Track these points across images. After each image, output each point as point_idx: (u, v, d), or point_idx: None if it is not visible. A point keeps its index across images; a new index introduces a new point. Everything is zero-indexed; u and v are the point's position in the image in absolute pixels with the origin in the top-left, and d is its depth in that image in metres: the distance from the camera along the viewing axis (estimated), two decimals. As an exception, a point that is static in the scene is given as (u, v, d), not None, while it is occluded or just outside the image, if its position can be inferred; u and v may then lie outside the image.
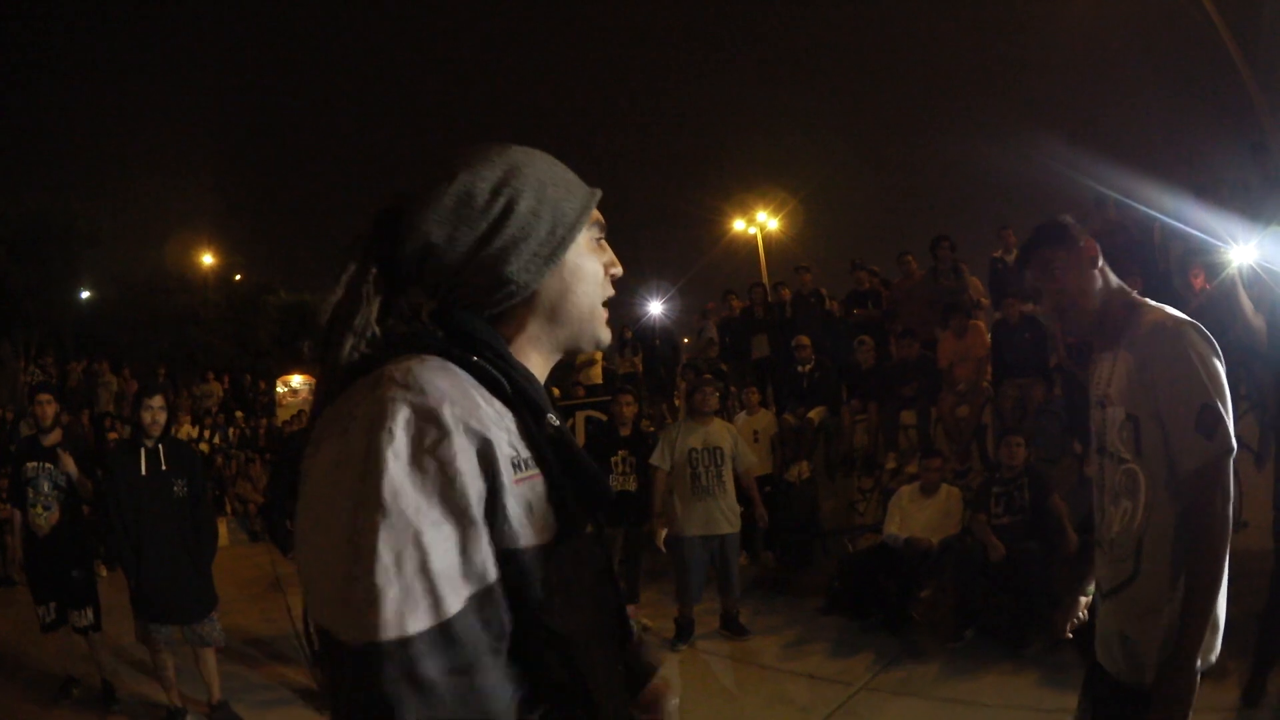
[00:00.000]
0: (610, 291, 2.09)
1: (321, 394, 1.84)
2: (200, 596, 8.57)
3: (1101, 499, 3.67)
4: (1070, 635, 4.20)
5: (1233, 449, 3.28)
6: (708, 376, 12.57)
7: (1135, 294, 3.72)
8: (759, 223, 42.95)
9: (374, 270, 1.92)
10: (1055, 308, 3.76)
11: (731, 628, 10.66)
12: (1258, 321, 7.24)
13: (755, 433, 13.40)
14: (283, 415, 26.82)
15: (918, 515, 10.71)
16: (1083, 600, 4.14)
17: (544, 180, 1.98)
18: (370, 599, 1.52)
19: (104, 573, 9.69)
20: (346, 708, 1.59)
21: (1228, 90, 23.33)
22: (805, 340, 14.71)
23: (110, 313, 41.09)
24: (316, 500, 1.64)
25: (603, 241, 2.10)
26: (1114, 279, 3.73)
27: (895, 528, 10.68)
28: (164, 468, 8.50)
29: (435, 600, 1.56)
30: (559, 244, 1.95)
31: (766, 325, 16.97)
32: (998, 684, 8.39)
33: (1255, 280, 7.87)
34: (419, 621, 1.54)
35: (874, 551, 10.86)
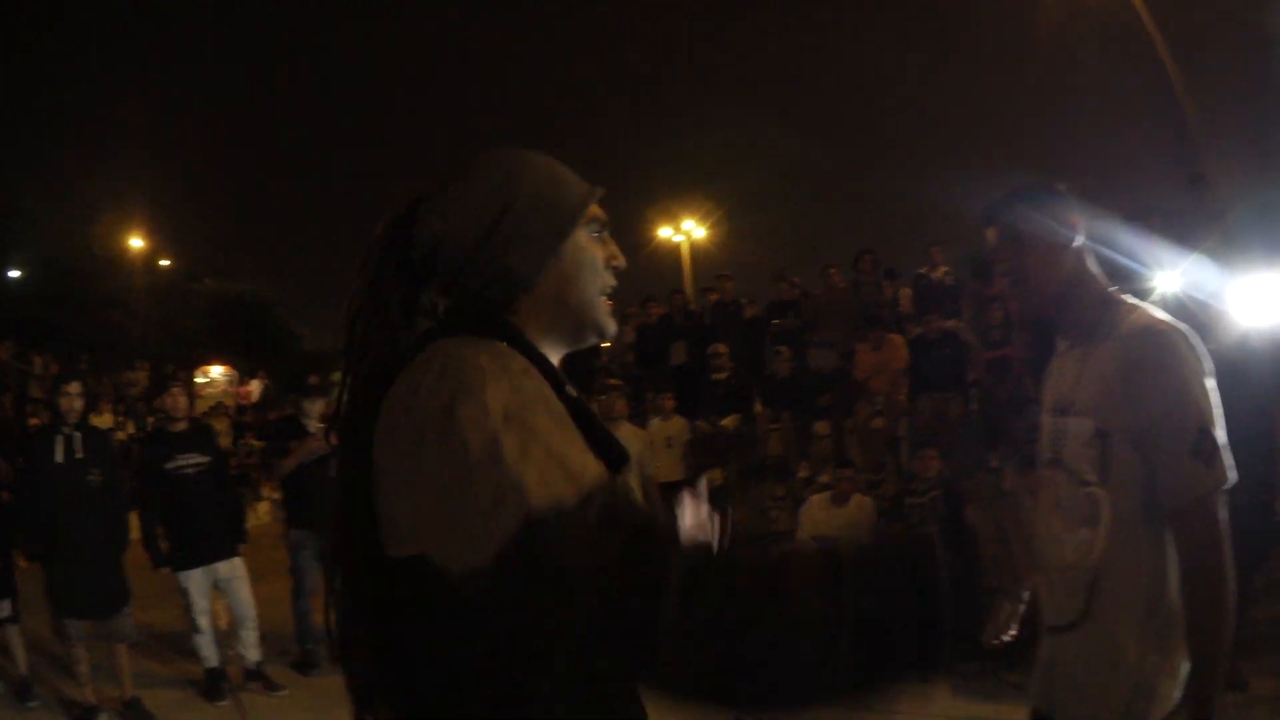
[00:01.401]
0: (612, 282, 2.14)
1: (354, 380, 1.94)
2: (113, 590, 8.24)
3: (1050, 519, 3.23)
4: (999, 642, 3.80)
5: (1229, 481, 2.86)
6: (614, 382, 12.31)
7: (1117, 289, 3.23)
8: (685, 230, 42.62)
9: (392, 268, 2.00)
10: (1010, 278, 3.30)
11: None
12: None
13: (669, 439, 13.08)
14: (201, 406, 26.25)
15: (829, 524, 10.39)
16: (1017, 608, 3.77)
17: (542, 179, 2.06)
18: (516, 484, 1.59)
19: (23, 563, 9.32)
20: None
21: (1169, 122, 23.45)
22: (722, 348, 14.39)
23: (36, 293, 40.12)
24: (428, 451, 1.68)
25: (605, 236, 2.15)
26: (1094, 268, 3.25)
27: (806, 538, 10.30)
28: (79, 456, 8.18)
29: (570, 474, 1.64)
30: (557, 236, 2.03)
31: (685, 332, 16.52)
32: (911, 693, 7.97)
33: (1178, 307, 7.74)
34: (561, 487, 1.61)
35: None
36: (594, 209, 2.09)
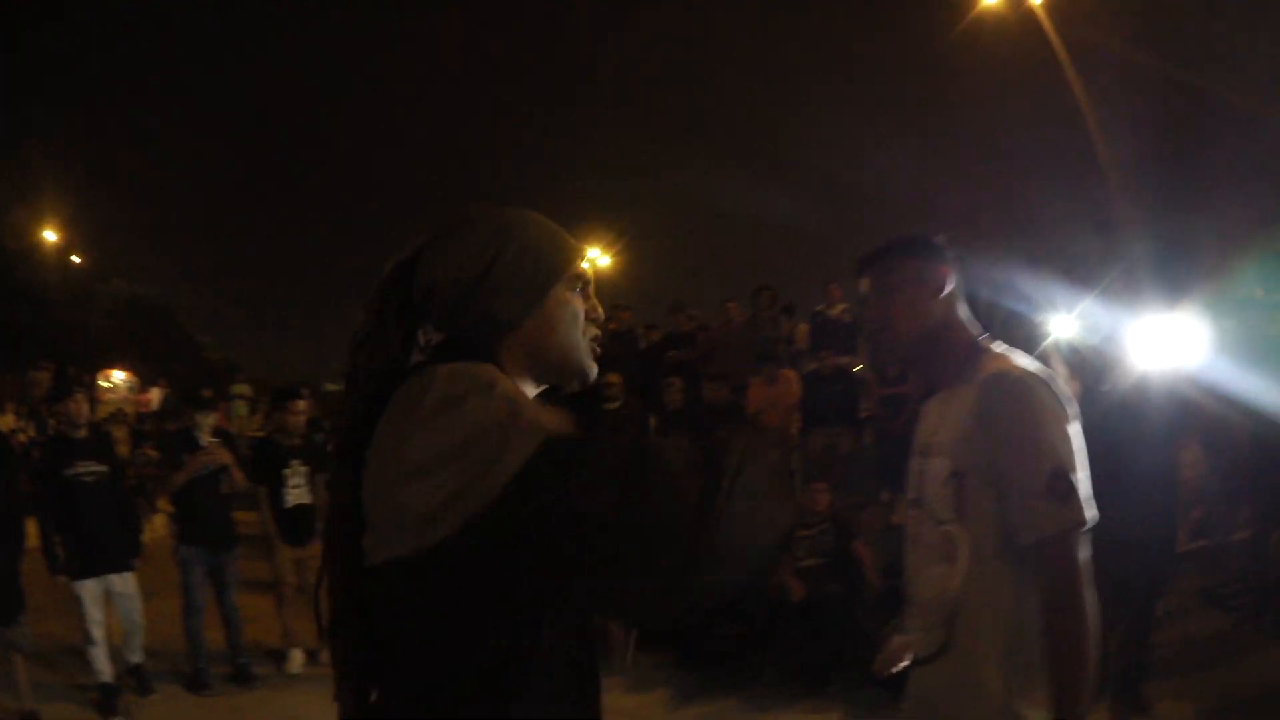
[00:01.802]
0: (594, 332, 2.33)
1: (352, 404, 2.09)
2: (8, 598, 8.10)
3: (913, 555, 3.34)
4: (887, 675, 3.74)
5: (1085, 521, 2.90)
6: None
7: (985, 338, 3.31)
8: (590, 259, 42.49)
9: (394, 305, 2.19)
10: (876, 325, 3.42)
11: None
12: (1071, 386, 7.09)
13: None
14: (101, 412, 25.73)
15: None
16: (896, 639, 3.78)
17: (532, 235, 2.23)
18: (530, 429, 1.79)
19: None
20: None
21: (1080, 168, 23.77)
22: (615, 378, 13.94)
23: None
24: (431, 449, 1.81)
25: (587, 291, 2.33)
26: (962, 316, 3.33)
27: None
28: None
29: None
30: (540, 288, 2.21)
31: None
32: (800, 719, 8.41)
33: (1072, 351, 7.96)
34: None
35: None
36: (578, 267, 2.28)
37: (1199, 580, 10.29)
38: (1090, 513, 2.92)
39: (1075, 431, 3.02)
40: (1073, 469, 2.93)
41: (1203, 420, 9.26)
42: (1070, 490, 2.89)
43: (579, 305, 2.29)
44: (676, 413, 13.73)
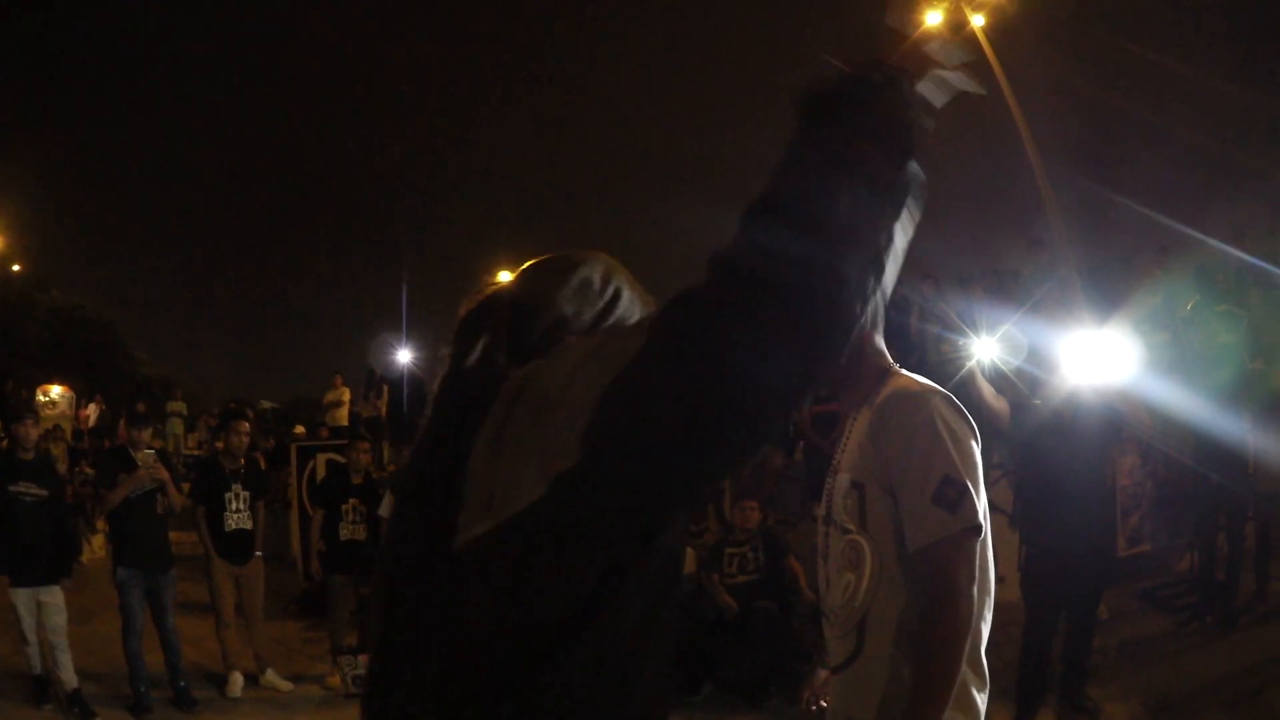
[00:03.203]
0: None
1: (448, 411, 2.05)
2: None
3: (826, 568, 3.35)
4: (813, 708, 3.74)
5: (978, 528, 2.94)
6: None
7: (893, 363, 3.37)
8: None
9: (505, 343, 2.10)
10: None
11: None
12: (999, 404, 7.33)
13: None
14: (39, 429, 25.01)
15: None
16: (821, 673, 3.83)
17: (629, 279, 2.29)
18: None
19: None
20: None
21: (1015, 187, 24.00)
22: None
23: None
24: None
25: None
26: (877, 346, 3.35)
27: None
28: None
29: None
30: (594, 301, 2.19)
31: None
32: None
33: (996, 373, 7.98)
34: None
35: None
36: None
37: (1140, 584, 10.69)
38: (981, 520, 2.95)
39: (973, 447, 3.05)
40: (964, 478, 2.94)
41: (1139, 431, 9.40)
42: (960, 498, 2.91)
43: None
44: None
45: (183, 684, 9.39)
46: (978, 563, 2.97)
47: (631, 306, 2.23)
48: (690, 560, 10.31)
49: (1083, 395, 7.84)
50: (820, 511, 3.43)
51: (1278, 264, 13.22)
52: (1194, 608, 10.08)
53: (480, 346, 2.10)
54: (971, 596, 2.91)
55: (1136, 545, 11.14)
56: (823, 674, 3.76)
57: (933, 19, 24.25)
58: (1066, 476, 7.76)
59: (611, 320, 2.19)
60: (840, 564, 3.21)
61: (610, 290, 2.22)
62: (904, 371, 3.32)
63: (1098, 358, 7.70)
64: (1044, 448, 7.84)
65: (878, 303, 3.20)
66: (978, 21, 23.22)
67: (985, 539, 3.03)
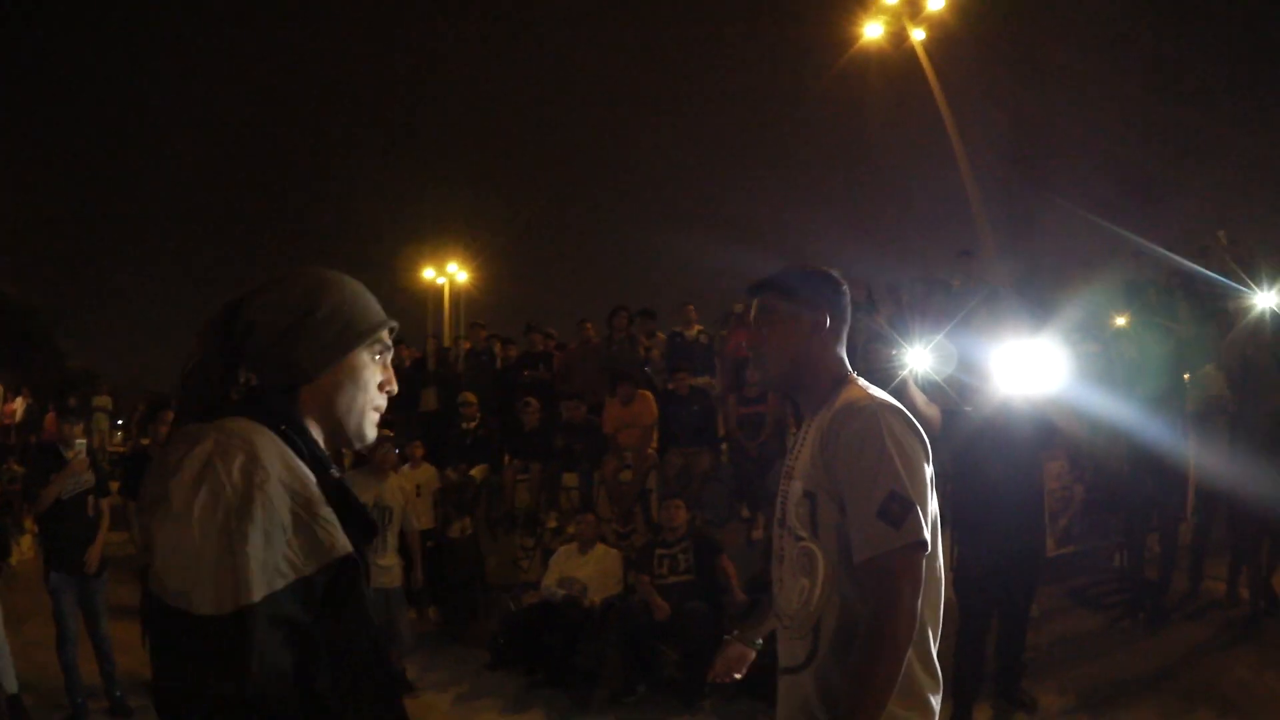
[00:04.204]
0: (382, 403, 2.41)
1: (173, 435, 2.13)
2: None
3: (780, 571, 3.35)
4: (725, 679, 3.97)
5: (924, 543, 2.94)
6: (387, 433, 11.71)
7: (850, 372, 3.38)
8: (449, 273, 42.03)
9: (219, 341, 2.24)
10: (752, 352, 3.49)
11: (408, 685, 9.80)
12: (930, 411, 7.32)
13: (418, 487, 12.48)
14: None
15: (576, 573, 10.32)
16: (748, 652, 3.96)
17: (345, 297, 2.32)
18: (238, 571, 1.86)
19: None
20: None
21: (948, 199, 24.26)
22: (472, 397, 14.10)
23: None
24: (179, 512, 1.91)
25: (386, 360, 2.42)
26: (836, 355, 3.38)
27: (553, 583, 10.30)
28: None
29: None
30: (343, 346, 2.28)
31: (437, 379, 16.19)
32: None
33: (929, 382, 8.07)
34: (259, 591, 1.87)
35: (537, 608, 10.29)
36: (383, 335, 2.38)
37: (1070, 583, 11.05)
38: (925, 535, 2.95)
39: (921, 461, 3.06)
40: (909, 494, 2.94)
41: (1070, 438, 9.66)
42: (904, 513, 2.91)
43: (376, 373, 2.38)
44: (533, 432, 13.52)
45: (119, 694, 9.03)
46: (923, 575, 2.97)
47: (326, 323, 2.25)
48: (617, 563, 10.47)
49: (1014, 403, 7.94)
50: (776, 515, 3.43)
51: (1205, 278, 13.61)
52: (1124, 605, 10.39)
53: (202, 347, 2.25)
54: (914, 610, 2.90)
55: (1065, 546, 11.40)
56: (737, 649, 3.95)
57: (873, 30, 24.61)
58: (999, 481, 7.89)
59: (299, 332, 2.23)
60: (795, 569, 3.22)
61: (307, 304, 2.25)
62: (860, 381, 3.33)
63: (1029, 367, 7.83)
64: (977, 454, 7.92)
65: (843, 314, 3.41)
66: (918, 35, 23.47)
67: (935, 552, 3.06)
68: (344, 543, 2.05)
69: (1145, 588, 10.33)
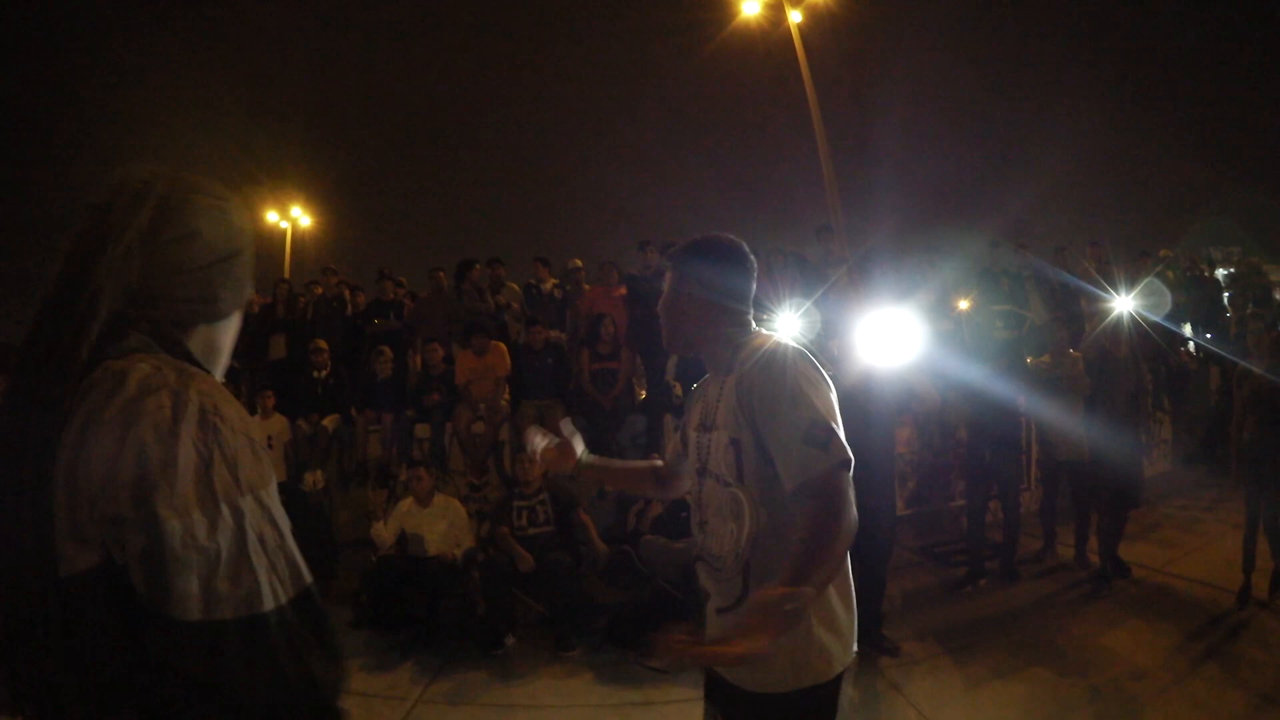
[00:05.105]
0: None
1: (49, 377, 1.76)
2: None
3: (703, 516, 3.47)
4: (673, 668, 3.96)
5: (849, 460, 3.02)
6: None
7: (746, 333, 3.48)
8: (292, 218, 40.65)
9: (99, 266, 1.87)
10: (661, 316, 3.58)
11: None
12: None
13: (270, 437, 12.11)
14: None
15: (420, 527, 10.14)
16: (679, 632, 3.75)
17: (253, 241, 2.16)
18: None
19: None
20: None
21: (807, 176, 24.72)
22: (323, 344, 13.51)
23: None
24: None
25: None
26: (745, 320, 3.51)
27: (390, 535, 10.11)
28: None
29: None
30: (246, 292, 2.16)
31: (286, 326, 15.41)
32: (553, 686, 8.29)
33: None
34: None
35: (396, 563, 9.95)
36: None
37: (920, 541, 11.94)
38: (848, 454, 3.03)
39: (828, 392, 3.17)
40: (828, 420, 3.04)
41: (922, 405, 10.11)
42: (829, 436, 3.00)
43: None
44: (386, 382, 13.17)
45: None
46: (851, 492, 3.01)
47: (245, 269, 2.12)
48: (462, 514, 10.39)
49: (876, 372, 8.24)
50: (694, 464, 3.55)
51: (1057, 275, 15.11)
52: (968, 564, 10.82)
53: (73, 271, 1.86)
54: (853, 516, 2.96)
55: (913, 507, 12.23)
56: (676, 634, 3.74)
57: (750, 8, 24.78)
58: (862, 446, 7.91)
59: (221, 268, 2.05)
60: (722, 514, 3.33)
61: (235, 245, 2.08)
62: (763, 331, 3.47)
63: (889, 338, 8.18)
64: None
65: (750, 281, 3.54)
66: (795, 18, 23.76)
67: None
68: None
69: (990, 549, 10.93)
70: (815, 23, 24.28)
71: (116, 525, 1.69)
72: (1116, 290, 12.72)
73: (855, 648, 3.35)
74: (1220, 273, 18.61)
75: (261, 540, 1.79)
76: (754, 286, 3.54)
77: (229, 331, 2.15)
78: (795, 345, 3.26)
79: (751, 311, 3.53)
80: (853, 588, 3.37)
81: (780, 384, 3.09)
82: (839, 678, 3.24)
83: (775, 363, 3.15)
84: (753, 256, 3.54)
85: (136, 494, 1.68)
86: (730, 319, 3.47)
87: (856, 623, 3.37)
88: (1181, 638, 8.56)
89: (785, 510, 3.11)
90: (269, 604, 1.75)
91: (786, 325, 7.70)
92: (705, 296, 3.44)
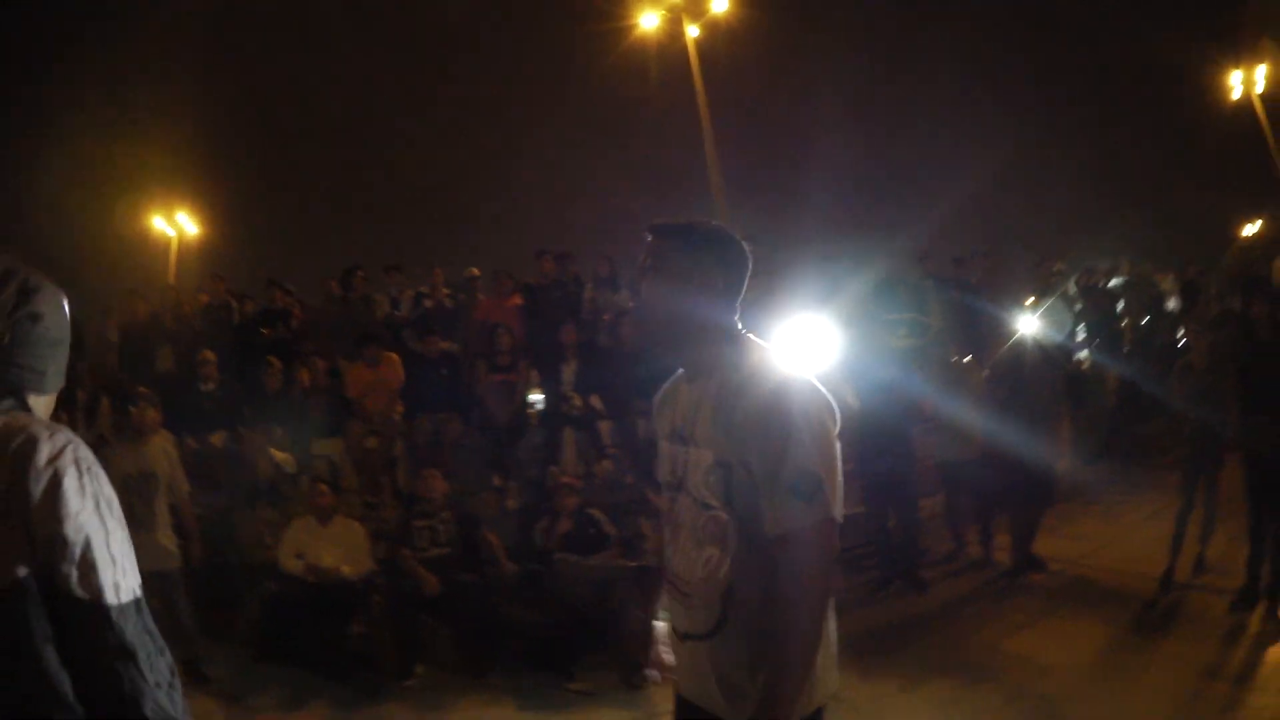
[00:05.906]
0: None
1: None
2: None
3: (677, 538, 3.26)
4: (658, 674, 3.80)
5: (835, 518, 2.90)
6: (144, 390, 10.43)
7: (747, 336, 3.25)
8: (178, 224, 39.21)
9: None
10: (637, 306, 3.43)
11: (199, 678, 8.45)
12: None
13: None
14: None
15: (315, 546, 9.39)
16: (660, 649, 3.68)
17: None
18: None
19: None
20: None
21: (697, 181, 24.79)
22: (211, 356, 12.67)
23: None
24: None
25: None
26: (728, 319, 3.23)
27: (290, 561, 9.30)
28: None
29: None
30: (60, 380, 2.31)
31: (173, 336, 14.34)
32: (475, 716, 8.06)
33: None
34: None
35: (297, 589, 9.13)
36: None
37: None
38: (837, 510, 2.92)
39: (831, 433, 3.00)
40: (819, 469, 2.90)
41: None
42: (816, 489, 2.87)
43: None
44: (275, 394, 12.53)
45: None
46: (836, 546, 2.97)
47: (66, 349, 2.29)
48: (362, 536, 9.72)
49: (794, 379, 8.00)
50: (667, 477, 3.35)
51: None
52: (879, 569, 11.17)
53: None
54: (828, 581, 2.95)
55: None
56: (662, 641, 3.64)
57: (649, 21, 24.89)
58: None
59: (62, 347, 2.28)
60: (700, 537, 3.14)
61: (65, 329, 2.28)
62: (759, 342, 3.25)
63: (803, 342, 8.27)
64: None
65: (740, 279, 3.26)
66: (693, 32, 23.96)
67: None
68: None
69: (896, 553, 11.18)
70: (712, 36, 24.46)
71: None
72: (1015, 298, 13.35)
73: (835, 682, 3.21)
74: (1114, 281, 19.11)
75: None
76: (743, 288, 3.27)
77: (49, 408, 2.30)
78: (803, 380, 3.06)
79: (740, 313, 3.26)
80: (832, 626, 3.13)
81: (773, 419, 2.93)
82: (819, 711, 3.10)
83: (772, 393, 2.98)
84: (749, 254, 3.30)
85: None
86: (717, 318, 3.21)
87: (836, 656, 3.20)
88: (1110, 625, 8.89)
89: (769, 542, 2.95)
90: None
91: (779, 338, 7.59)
92: (687, 284, 3.17)
